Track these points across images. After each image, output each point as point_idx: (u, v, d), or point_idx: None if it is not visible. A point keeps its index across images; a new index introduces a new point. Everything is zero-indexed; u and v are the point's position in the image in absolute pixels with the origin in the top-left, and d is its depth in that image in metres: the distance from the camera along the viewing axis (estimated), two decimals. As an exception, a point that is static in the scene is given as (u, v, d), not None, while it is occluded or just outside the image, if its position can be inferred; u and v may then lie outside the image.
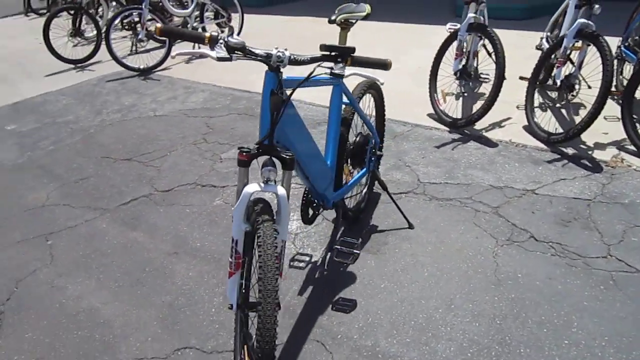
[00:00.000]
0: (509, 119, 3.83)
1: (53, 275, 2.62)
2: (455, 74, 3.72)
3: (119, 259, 2.70)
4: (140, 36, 5.99)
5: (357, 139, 2.59)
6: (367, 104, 2.88)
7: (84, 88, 5.59)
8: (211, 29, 6.81)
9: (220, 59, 1.58)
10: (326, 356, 2.03)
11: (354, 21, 2.27)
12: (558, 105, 3.85)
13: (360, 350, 2.04)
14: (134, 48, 6.50)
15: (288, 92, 1.65)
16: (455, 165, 3.27)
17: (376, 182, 2.84)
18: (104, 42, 5.71)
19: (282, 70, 1.65)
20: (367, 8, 2.27)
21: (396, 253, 2.55)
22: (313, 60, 1.66)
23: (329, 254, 2.29)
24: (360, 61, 1.68)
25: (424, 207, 2.89)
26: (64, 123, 4.63)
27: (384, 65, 1.69)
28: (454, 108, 3.97)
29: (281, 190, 1.70)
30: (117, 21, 6.03)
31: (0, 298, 2.49)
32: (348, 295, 2.31)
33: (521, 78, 3.81)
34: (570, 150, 3.32)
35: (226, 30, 6.71)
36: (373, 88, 2.69)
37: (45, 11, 9.90)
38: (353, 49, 1.66)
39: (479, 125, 3.74)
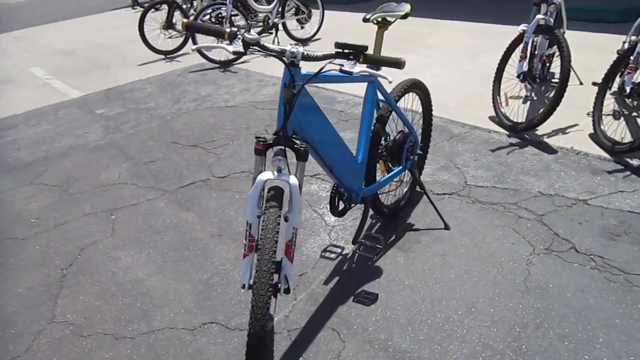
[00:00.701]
0: (575, 125, 3.64)
1: (111, 247, 2.89)
2: (518, 76, 3.59)
3: (169, 237, 2.92)
4: (222, 30, 6.29)
5: (396, 136, 2.61)
6: (411, 103, 2.89)
7: (168, 78, 6.00)
8: (292, 25, 7.02)
9: (235, 53, 1.69)
10: (339, 344, 2.09)
11: (392, 20, 2.30)
12: (627, 113, 3.60)
13: (372, 342, 2.08)
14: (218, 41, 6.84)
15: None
16: (507, 170, 3.18)
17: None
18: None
19: (300, 65, 1.73)
20: (407, 7, 2.29)
21: (427, 252, 2.55)
22: (326, 57, 1.73)
23: (359, 247, 2.34)
24: (374, 59, 1.71)
25: (465, 209, 2.85)
26: (145, 109, 5.02)
27: (398, 64, 1.71)
28: (517, 112, 3.84)
29: (293, 180, 1.78)
30: (206, 17, 6.39)
31: (65, 263, 2.79)
32: (371, 289, 2.36)
33: (594, 84, 3.61)
34: (635, 162, 3.11)
35: (306, 26, 6.88)
36: (417, 87, 2.70)
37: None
38: (366, 47, 1.70)
39: (541, 131, 3.59)
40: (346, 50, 1.69)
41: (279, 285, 1.88)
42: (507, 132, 3.65)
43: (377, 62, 1.69)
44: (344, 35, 7.02)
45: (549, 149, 3.37)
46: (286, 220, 1.83)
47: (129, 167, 3.82)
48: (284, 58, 1.72)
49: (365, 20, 2.26)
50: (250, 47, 1.70)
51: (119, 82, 6.04)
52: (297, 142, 1.81)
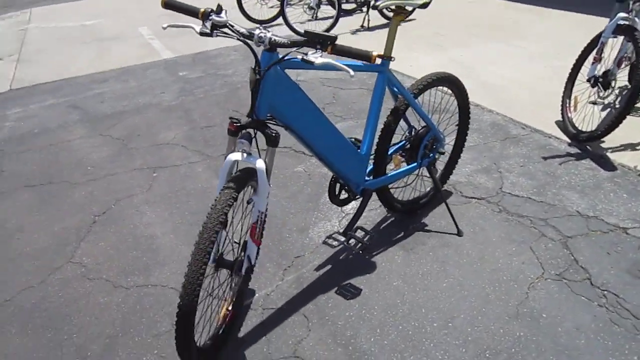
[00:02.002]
0: (652, 142, 3.22)
1: (142, 202, 3.09)
2: (588, 80, 3.23)
3: (194, 201, 3.06)
4: (311, 4, 6.32)
5: (416, 131, 2.50)
6: (445, 101, 2.72)
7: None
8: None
9: (202, 34, 1.70)
10: (304, 332, 2.09)
11: (409, 9, 2.17)
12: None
13: (336, 336, 2.05)
14: (313, 15, 6.88)
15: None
16: (552, 182, 2.91)
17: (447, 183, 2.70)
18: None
19: (272, 50, 1.70)
20: (429, -4, 2.15)
21: (428, 256, 2.44)
22: (294, 44, 1.68)
23: (368, 236, 2.29)
24: (342, 50, 1.64)
25: (488, 217, 2.66)
26: (222, 76, 5.22)
27: (367, 57, 1.62)
28: (585, 119, 3.47)
29: (259, 164, 1.79)
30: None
31: (99, 211, 3.05)
32: (359, 284, 2.31)
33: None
34: None
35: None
36: (449, 82, 2.54)
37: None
38: (334, 38, 1.63)
39: (607, 144, 3.22)
40: (314, 39, 1.63)
41: (243, 264, 1.92)
42: (568, 140, 3.32)
43: (346, 53, 1.62)
44: (445, 19, 6.72)
45: (608, 165, 3.02)
46: (248, 202, 1.85)
47: (186, 129, 4.03)
48: (250, 42, 1.71)
49: (374, 7, 2.15)
50: (218, 29, 1.70)
51: (209, 47, 6.32)
52: (270, 126, 1.80)
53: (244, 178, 1.80)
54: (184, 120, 4.21)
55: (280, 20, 6.94)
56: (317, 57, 1.58)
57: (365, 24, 6.44)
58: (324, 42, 1.60)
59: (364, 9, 6.49)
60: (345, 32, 6.38)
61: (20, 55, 6.83)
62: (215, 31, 1.69)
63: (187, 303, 1.61)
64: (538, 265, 2.31)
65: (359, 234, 2.30)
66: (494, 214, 2.68)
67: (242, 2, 6.80)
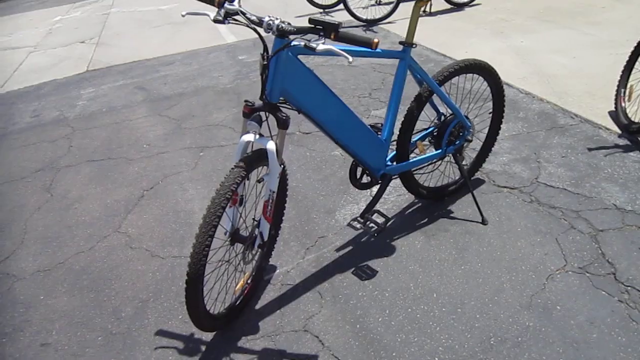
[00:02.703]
0: None
1: (187, 179, 3.29)
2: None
3: (234, 180, 3.21)
4: (370, -12, 6.30)
5: (441, 118, 2.50)
6: (477, 87, 2.68)
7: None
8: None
9: (215, 21, 1.80)
10: (316, 308, 2.18)
11: (431, -6, 2.15)
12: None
13: (346, 314, 2.13)
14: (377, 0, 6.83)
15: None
16: (593, 173, 2.80)
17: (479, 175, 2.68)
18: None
19: (283, 37, 1.77)
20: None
21: (448, 242, 2.44)
22: (299, 30, 1.74)
23: (385, 220, 2.34)
24: (346, 37, 1.67)
25: (517, 207, 2.62)
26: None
27: (369, 44, 1.65)
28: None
29: (270, 145, 1.88)
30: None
31: (148, 186, 3.28)
32: (375, 265, 2.37)
33: None
34: None
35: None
36: (479, 69, 2.51)
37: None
38: (337, 25, 1.66)
39: (663, 135, 3.03)
40: (318, 26, 1.69)
41: (256, 240, 2.04)
42: (619, 132, 3.16)
43: (348, 40, 1.67)
44: (515, 2, 6.46)
45: (658, 158, 2.85)
46: (259, 181, 1.95)
47: (236, 112, 4.20)
48: (259, 29, 1.79)
49: None
50: (230, 17, 1.80)
51: (271, 31, 6.46)
52: (282, 110, 1.89)
53: (255, 158, 1.90)
54: (234, 102, 4.39)
55: (341, 5, 6.97)
56: (318, 43, 1.64)
57: (428, 9, 6.33)
58: (326, 29, 1.65)
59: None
60: (406, 18, 6.29)
61: (100, 38, 7.33)
62: (227, 19, 1.79)
63: (194, 271, 1.75)
64: (561, 257, 2.26)
65: (377, 218, 2.34)
66: (524, 204, 2.63)
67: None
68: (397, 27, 5.99)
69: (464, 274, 2.25)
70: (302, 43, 1.67)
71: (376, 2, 6.75)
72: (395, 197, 2.83)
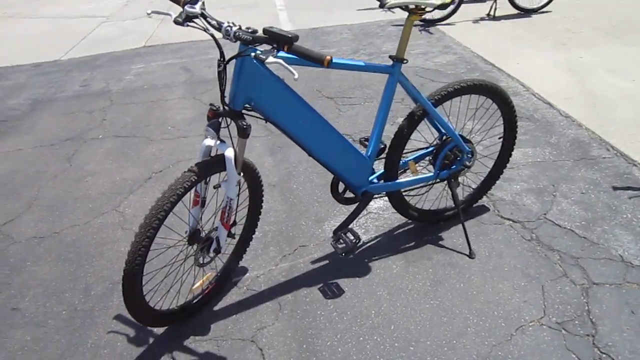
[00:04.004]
0: None
1: (195, 166, 3.32)
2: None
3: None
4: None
5: (439, 140, 2.35)
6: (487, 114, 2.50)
7: (369, 27, 6.10)
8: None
9: (176, 22, 1.75)
10: (271, 320, 2.13)
11: (428, 9, 2.00)
12: None
13: (297, 331, 2.06)
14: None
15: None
16: (608, 217, 2.54)
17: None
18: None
19: (247, 44, 1.70)
20: (451, -4, 1.97)
21: (427, 272, 2.31)
22: (255, 40, 1.65)
23: (356, 241, 2.24)
24: (298, 52, 1.58)
25: (512, 244, 2.42)
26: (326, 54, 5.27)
27: (321, 61, 1.55)
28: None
29: (228, 152, 1.84)
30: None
31: (158, 168, 3.34)
32: (345, 285, 2.28)
33: None
34: None
35: None
36: (486, 92, 2.32)
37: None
38: (291, 39, 1.57)
39: None
40: (272, 38, 1.61)
41: (212, 243, 2.02)
42: (657, 173, 2.85)
43: (301, 54, 1.58)
44: (587, 12, 5.99)
45: (689, 211, 2.54)
46: (215, 187, 1.92)
47: (265, 103, 4.17)
48: (212, 33, 1.73)
49: (382, 6, 2.01)
50: (190, 19, 1.75)
51: (327, 23, 6.39)
52: (244, 118, 1.84)
53: (212, 163, 1.87)
54: (268, 93, 4.36)
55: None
56: (268, 55, 1.56)
57: (492, 13, 6.00)
58: (280, 42, 1.57)
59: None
60: (467, 20, 6.01)
61: (164, 16, 7.54)
62: (186, 22, 1.75)
63: (129, 270, 1.75)
64: (540, 308, 2.07)
65: (349, 237, 2.24)
66: (522, 242, 2.43)
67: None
68: (455, 30, 5.73)
69: (430, 309, 2.11)
70: (253, 53, 1.60)
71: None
72: (390, 214, 2.71)
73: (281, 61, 1.54)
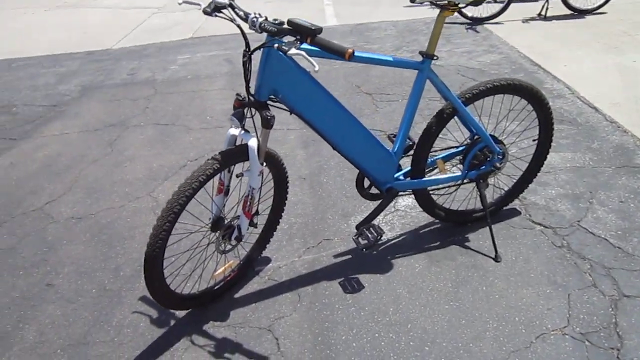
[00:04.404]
0: None
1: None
2: None
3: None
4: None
5: (469, 139, 2.31)
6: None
7: (414, 24, 6.02)
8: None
9: (204, 12, 1.79)
10: (289, 310, 2.15)
11: (461, 5, 1.96)
12: None
13: (313, 324, 2.07)
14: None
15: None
16: (648, 229, 2.43)
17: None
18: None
19: (273, 35, 1.72)
20: (485, -8, 1.92)
21: (449, 273, 2.27)
22: (280, 31, 1.66)
23: (378, 237, 2.23)
24: (321, 44, 1.57)
25: (541, 249, 2.35)
26: (366, 50, 5.25)
27: (342, 53, 1.54)
28: None
29: (252, 142, 1.87)
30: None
31: (193, 157, 3.41)
32: (365, 280, 2.27)
33: None
34: None
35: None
36: (520, 92, 2.26)
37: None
38: (314, 31, 1.56)
39: None
40: (296, 30, 1.61)
41: (234, 231, 2.05)
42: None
43: (323, 47, 1.58)
44: (636, 14, 5.73)
45: None
46: (238, 176, 1.95)
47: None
48: (239, 23, 1.74)
49: (412, 0, 1.98)
50: (219, 10, 1.77)
51: (372, 19, 6.35)
52: (269, 109, 1.86)
53: (236, 153, 1.90)
54: (307, 87, 4.38)
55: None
56: (291, 47, 1.57)
57: (543, 13, 5.80)
58: (303, 33, 1.58)
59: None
60: (516, 19, 5.85)
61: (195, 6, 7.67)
62: (215, 12, 1.78)
63: (150, 253, 1.80)
64: (565, 317, 2.00)
65: (371, 232, 2.23)
66: (551, 248, 2.36)
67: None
68: (503, 29, 5.58)
69: (449, 311, 2.08)
70: (276, 44, 1.62)
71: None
72: (417, 213, 2.68)
73: (303, 53, 1.54)
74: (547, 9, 5.77)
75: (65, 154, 3.56)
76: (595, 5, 5.82)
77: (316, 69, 1.51)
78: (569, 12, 5.85)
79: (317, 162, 3.23)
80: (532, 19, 5.86)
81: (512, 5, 5.79)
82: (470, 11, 5.86)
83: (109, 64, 5.41)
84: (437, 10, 2.01)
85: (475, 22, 5.83)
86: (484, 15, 5.80)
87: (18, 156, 3.57)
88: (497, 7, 5.83)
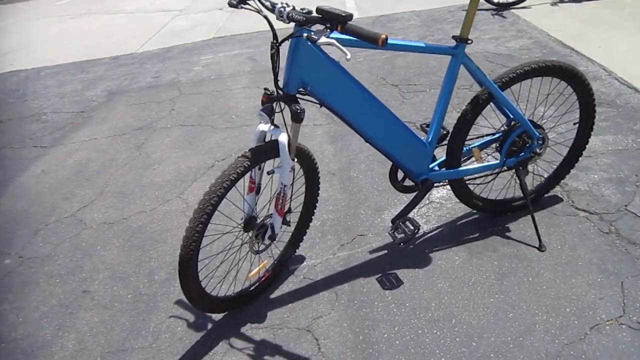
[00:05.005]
0: None
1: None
2: None
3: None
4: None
5: (506, 125, 2.21)
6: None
7: (438, 13, 5.89)
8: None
9: (230, 5, 1.73)
10: (327, 309, 2.09)
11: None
12: None
13: (353, 322, 2.01)
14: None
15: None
16: (702, 211, 2.29)
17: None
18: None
19: (302, 25, 1.65)
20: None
21: (492, 264, 2.18)
22: (308, 20, 1.60)
23: (415, 230, 2.15)
24: (352, 31, 1.50)
25: (588, 237, 2.25)
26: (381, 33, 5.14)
27: (375, 40, 1.46)
28: None
29: (282, 138, 1.81)
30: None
31: (220, 157, 3.39)
32: (403, 276, 2.20)
33: None
34: None
35: None
36: (560, 73, 2.15)
37: None
38: (344, 17, 1.49)
39: None
40: (325, 17, 1.55)
41: (266, 231, 2.00)
42: None
43: (355, 34, 1.51)
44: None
45: None
46: (269, 173, 1.89)
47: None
48: (266, 14, 1.69)
49: None
50: (244, 1, 1.72)
51: (395, 10, 6.24)
52: (298, 102, 1.80)
53: (266, 149, 1.85)
54: (332, 81, 4.32)
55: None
56: (321, 35, 1.51)
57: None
58: (333, 20, 1.51)
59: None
60: (544, 3, 5.66)
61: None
62: (240, 4, 1.72)
63: (184, 255, 1.76)
64: (619, 306, 1.90)
65: (408, 226, 2.16)
66: (599, 235, 2.25)
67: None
68: (531, 13, 5.41)
69: (495, 304, 1.99)
70: (305, 34, 1.55)
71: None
72: (453, 204, 2.59)
73: (334, 41, 1.48)
74: None
75: (95, 159, 3.57)
76: None
77: (348, 57, 1.44)
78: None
79: (347, 157, 3.16)
80: (562, 1, 5.66)
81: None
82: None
83: (133, 68, 5.43)
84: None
85: (501, 8, 5.67)
86: (510, 0, 5.64)
87: (49, 163, 3.60)
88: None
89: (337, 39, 1.59)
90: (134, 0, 9.05)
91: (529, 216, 2.33)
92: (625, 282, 1.99)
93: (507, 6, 5.65)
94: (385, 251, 2.36)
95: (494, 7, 5.69)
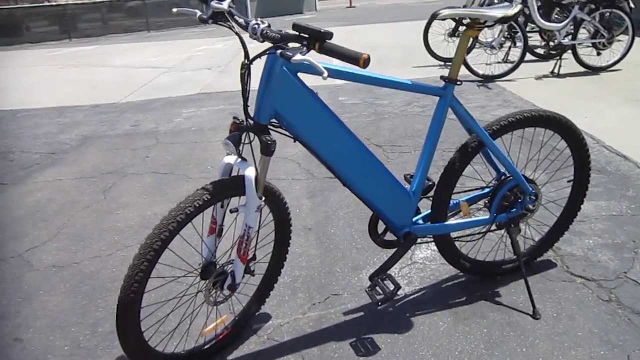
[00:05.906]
0: None
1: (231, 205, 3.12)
2: None
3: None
4: (493, 43, 5.83)
5: (496, 179, 2.05)
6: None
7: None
8: (585, 49, 5.96)
9: (200, 20, 1.60)
10: (291, 375, 1.82)
11: (488, 23, 1.76)
12: None
13: (320, 391, 1.74)
14: (505, 58, 6.32)
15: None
16: None
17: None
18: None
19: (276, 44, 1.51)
20: (516, 9, 1.73)
21: (481, 332, 1.94)
22: (283, 38, 1.45)
23: (394, 289, 1.90)
24: (332, 50, 1.35)
25: (586, 305, 2.03)
26: (375, 105, 5.11)
27: (356, 59, 1.31)
28: None
29: (249, 172, 1.62)
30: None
31: (192, 204, 3.15)
32: (381, 341, 1.94)
33: None
34: None
35: (604, 53, 5.75)
36: (553, 125, 2.03)
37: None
38: (323, 35, 1.35)
39: None
40: (302, 35, 1.40)
41: (226, 280, 1.76)
42: None
43: (334, 53, 1.35)
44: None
45: None
46: (232, 211, 1.68)
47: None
48: (239, 31, 1.54)
49: (433, 16, 1.79)
50: (217, 17, 1.58)
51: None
52: (269, 133, 1.62)
53: (229, 184, 1.65)
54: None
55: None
56: (296, 53, 1.35)
57: (556, 70, 5.70)
58: (310, 37, 1.36)
59: (557, 51, 5.76)
60: (529, 77, 5.74)
61: (225, 67, 7.73)
62: (212, 19, 1.58)
63: (123, 296, 1.52)
64: (624, 387, 1.65)
65: (387, 284, 1.92)
66: (598, 303, 2.03)
67: (429, 39, 6.61)
68: (516, 85, 5.47)
69: (481, 377, 1.73)
70: (279, 51, 1.40)
71: (503, 60, 6.28)
72: (438, 265, 2.37)
73: (310, 59, 1.32)
74: (560, 66, 5.67)
75: (56, 200, 3.33)
76: (610, 63, 5.73)
77: (325, 74, 1.28)
78: (582, 69, 5.75)
79: (325, 212, 2.96)
80: (545, 76, 5.75)
81: (523, 65, 5.69)
82: (481, 69, 5.77)
83: (113, 116, 5.29)
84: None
85: (486, 80, 5.73)
86: (495, 73, 5.71)
87: (5, 201, 3.34)
88: (508, 66, 5.76)
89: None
90: (124, 56, 9.11)
91: (521, 280, 2.11)
92: (631, 356, 1.76)
93: (492, 79, 5.72)
94: (362, 313, 2.11)
95: (479, 79, 5.75)
